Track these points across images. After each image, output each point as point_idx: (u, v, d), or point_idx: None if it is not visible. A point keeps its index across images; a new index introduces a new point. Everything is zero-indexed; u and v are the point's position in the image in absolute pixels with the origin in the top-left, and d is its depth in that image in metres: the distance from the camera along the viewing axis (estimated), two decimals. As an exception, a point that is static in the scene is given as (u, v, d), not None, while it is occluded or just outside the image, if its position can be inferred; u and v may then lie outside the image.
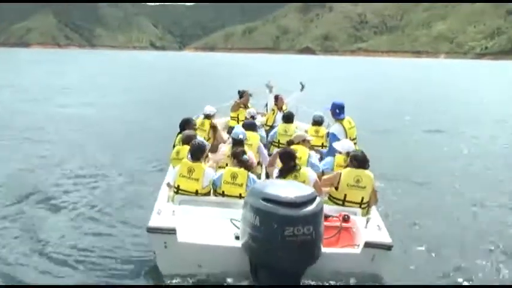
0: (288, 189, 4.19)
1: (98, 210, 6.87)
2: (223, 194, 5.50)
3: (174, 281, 4.55)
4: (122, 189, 7.94)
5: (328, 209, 5.18)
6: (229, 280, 4.49)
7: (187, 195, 5.47)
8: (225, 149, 6.54)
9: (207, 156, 6.18)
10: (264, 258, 4.17)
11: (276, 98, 9.79)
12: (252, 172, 5.70)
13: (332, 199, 5.59)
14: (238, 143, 6.23)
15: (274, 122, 9.39)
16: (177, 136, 7.09)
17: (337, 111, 7.19)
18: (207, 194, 5.59)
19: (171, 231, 4.45)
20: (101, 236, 5.95)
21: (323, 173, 6.21)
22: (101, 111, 18.30)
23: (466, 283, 5.09)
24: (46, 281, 4.81)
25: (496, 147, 13.64)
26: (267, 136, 8.38)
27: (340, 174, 5.54)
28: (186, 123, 7.18)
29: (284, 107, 9.62)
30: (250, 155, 5.94)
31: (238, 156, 5.60)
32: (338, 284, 4.51)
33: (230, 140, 6.72)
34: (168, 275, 4.60)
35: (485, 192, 8.49)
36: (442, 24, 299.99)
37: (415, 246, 5.87)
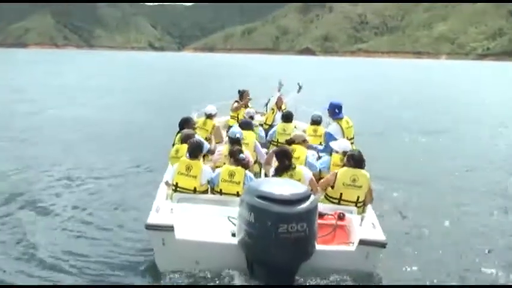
0: (282, 187, 4.27)
1: (97, 208, 6.97)
2: (220, 192, 5.57)
3: (172, 277, 4.61)
4: (121, 188, 8.04)
5: (324, 207, 5.26)
6: (226, 276, 4.56)
7: (185, 192, 5.54)
8: (222, 148, 6.63)
9: (206, 156, 6.26)
10: (259, 255, 4.25)
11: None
12: (249, 170, 5.78)
13: (328, 198, 5.65)
14: (235, 141, 6.32)
15: (273, 121, 9.48)
16: (176, 135, 7.15)
17: (336, 110, 7.26)
18: (205, 191, 5.67)
19: (169, 228, 4.52)
20: (101, 233, 6.03)
21: (320, 172, 6.29)
22: (99, 112, 18.31)
23: (459, 281, 5.14)
24: (45, 280, 4.86)
25: (497, 148, 13.66)
26: (266, 135, 8.47)
27: (337, 173, 5.61)
28: (185, 122, 7.25)
29: (283, 107, 9.70)
30: (247, 153, 6.05)
31: (235, 155, 5.69)
32: (333, 281, 4.56)
33: (227, 139, 6.81)
34: (165, 271, 4.67)
35: (484, 192, 8.55)
36: (443, 24, 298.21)
37: (409, 244, 5.94)
